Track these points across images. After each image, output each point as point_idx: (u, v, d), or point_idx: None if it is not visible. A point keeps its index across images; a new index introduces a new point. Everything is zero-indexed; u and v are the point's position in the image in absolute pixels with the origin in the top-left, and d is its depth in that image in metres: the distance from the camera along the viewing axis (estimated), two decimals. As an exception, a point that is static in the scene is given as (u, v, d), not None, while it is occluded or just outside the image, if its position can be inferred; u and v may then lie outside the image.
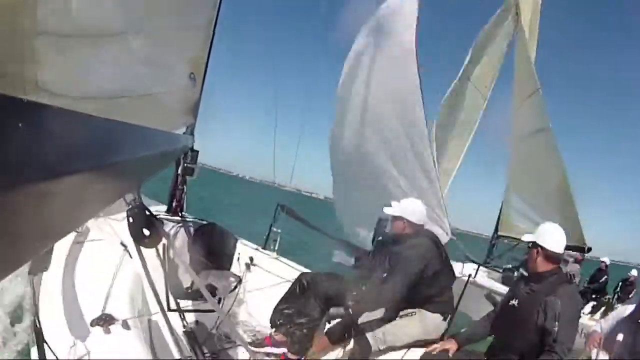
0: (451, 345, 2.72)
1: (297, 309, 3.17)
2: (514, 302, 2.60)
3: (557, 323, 2.33)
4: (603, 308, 8.32)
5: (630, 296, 9.63)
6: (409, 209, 3.10)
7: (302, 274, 3.39)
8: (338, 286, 3.21)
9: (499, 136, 10.19)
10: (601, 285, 9.75)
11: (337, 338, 2.99)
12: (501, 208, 9.90)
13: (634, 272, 10.45)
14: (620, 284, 10.58)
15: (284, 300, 3.27)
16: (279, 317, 3.19)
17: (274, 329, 3.19)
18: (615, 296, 10.11)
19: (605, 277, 9.81)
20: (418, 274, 2.85)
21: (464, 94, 9.87)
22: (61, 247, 2.77)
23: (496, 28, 9.85)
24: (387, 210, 3.16)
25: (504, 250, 9.76)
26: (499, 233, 9.85)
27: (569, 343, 2.37)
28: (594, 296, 9.23)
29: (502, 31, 9.85)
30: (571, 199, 7.71)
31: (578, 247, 7.72)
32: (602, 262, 10.13)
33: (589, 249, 7.82)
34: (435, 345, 2.77)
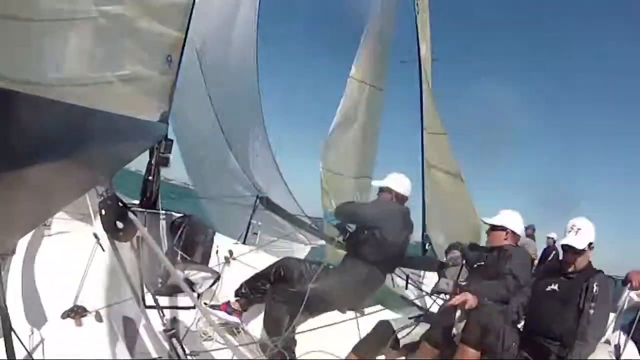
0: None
1: (265, 289, 3.21)
2: (554, 286, 2.60)
3: (593, 304, 2.40)
4: None
5: (549, 259, 8.71)
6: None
7: (284, 258, 3.37)
8: (310, 276, 3.16)
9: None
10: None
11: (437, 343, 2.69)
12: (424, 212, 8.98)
13: (554, 235, 8.83)
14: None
15: (257, 276, 3.31)
16: (244, 288, 3.26)
17: (235, 299, 3.24)
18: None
19: (554, 252, 8.78)
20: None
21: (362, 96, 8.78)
22: (28, 240, 2.66)
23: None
24: (375, 183, 3.52)
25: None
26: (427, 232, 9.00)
27: (600, 329, 2.43)
28: None
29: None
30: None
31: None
32: (550, 238, 9.28)
33: None
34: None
